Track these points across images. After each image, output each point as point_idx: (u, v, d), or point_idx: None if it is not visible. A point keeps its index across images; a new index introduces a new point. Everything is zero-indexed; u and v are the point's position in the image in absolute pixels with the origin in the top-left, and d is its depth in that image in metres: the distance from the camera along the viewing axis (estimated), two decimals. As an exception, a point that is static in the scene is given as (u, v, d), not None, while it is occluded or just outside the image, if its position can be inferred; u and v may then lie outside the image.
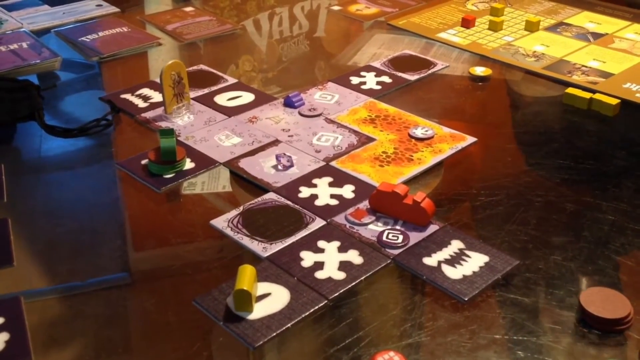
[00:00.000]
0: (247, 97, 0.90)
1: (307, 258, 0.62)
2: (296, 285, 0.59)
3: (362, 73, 0.96)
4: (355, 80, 0.94)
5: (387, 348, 0.52)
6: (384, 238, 0.63)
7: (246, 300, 0.55)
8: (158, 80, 0.84)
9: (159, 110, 0.87)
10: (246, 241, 0.64)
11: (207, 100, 0.90)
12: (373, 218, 0.66)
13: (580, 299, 0.56)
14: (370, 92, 0.91)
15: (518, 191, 0.71)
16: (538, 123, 0.86)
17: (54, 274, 0.63)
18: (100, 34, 1.11)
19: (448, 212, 0.68)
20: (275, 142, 0.80)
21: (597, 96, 0.87)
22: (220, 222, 0.67)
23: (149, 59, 1.06)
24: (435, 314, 0.56)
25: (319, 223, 0.66)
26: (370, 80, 0.94)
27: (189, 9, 1.23)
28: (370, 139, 0.80)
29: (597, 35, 1.08)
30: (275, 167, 0.75)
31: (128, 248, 0.66)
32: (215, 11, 1.23)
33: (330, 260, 0.61)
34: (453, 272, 0.60)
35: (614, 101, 0.86)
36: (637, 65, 0.98)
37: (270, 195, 0.70)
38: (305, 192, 0.71)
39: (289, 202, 0.69)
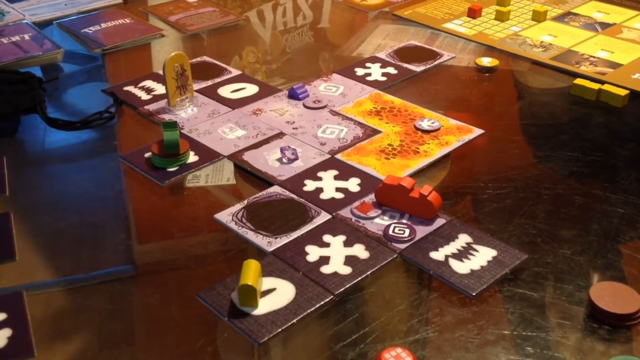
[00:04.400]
0: (251, 89, 0.89)
1: (313, 252, 0.61)
2: (301, 280, 0.58)
3: (367, 64, 0.95)
4: (360, 71, 0.93)
5: (393, 344, 0.52)
6: (390, 232, 0.63)
7: (251, 295, 0.55)
8: (161, 72, 0.83)
9: (162, 103, 0.86)
10: (251, 235, 0.63)
11: (210, 93, 0.89)
12: (379, 212, 0.65)
13: (590, 294, 0.55)
14: (375, 84, 0.90)
15: (526, 184, 0.70)
16: (546, 114, 0.85)
17: (57, 268, 0.62)
18: (103, 25, 1.10)
19: (455, 205, 0.68)
20: (280, 135, 0.79)
21: (606, 87, 0.86)
22: (225, 216, 0.66)
23: (152, 51, 1.05)
24: (443, 310, 0.55)
25: (324, 217, 0.65)
26: (376, 72, 0.93)
27: (192, 0, 1.22)
28: (375, 131, 0.79)
29: (605, 25, 1.07)
30: (279, 160, 0.74)
31: (131, 241, 0.66)
32: (218, 2, 1.22)
33: (335, 255, 0.61)
34: (460, 267, 0.59)
35: (622, 92, 0.85)
36: (646, 56, 0.97)
37: (275, 189, 0.70)
38: (310, 185, 0.70)
39: (293, 196, 0.68)
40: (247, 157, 0.75)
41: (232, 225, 0.65)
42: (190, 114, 0.84)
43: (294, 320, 0.54)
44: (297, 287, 0.57)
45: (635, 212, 0.66)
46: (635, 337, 0.53)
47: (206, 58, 0.98)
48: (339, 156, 0.75)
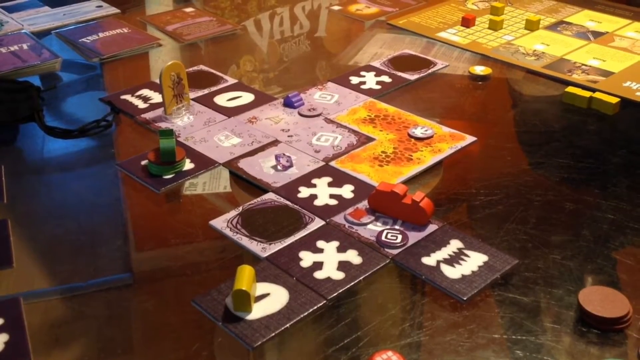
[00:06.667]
0: (246, 98, 0.90)
1: (306, 258, 0.62)
2: (295, 286, 0.59)
3: (362, 73, 0.96)
4: (354, 80, 0.94)
5: (385, 348, 0.52)
6: (383, 238, 0.63)
7: (245, 300, 0.55)
8: (158, 81, 0.84)
9: (159, 111, 0.87)
10: (245, 241, 0.64)
11: (206, 101, 0.90)
12: (372, 218, 0.66)
13: (579, 298, 0.55)
14: (369, 92, 0.91)
15: (517, 190, 0.71)
16: (538, 122, 0.86)
17: (54, 275, 0.63)
18: (101, 35, 1.11)
19: (447, 211, 0.68)
20: (275, 143, 0.80)
21: (597, 95, 0.87)
22: (220, 223, 0.67)
23: (150, 60, 1.06)
24: (434, 314, 0.56)
25: (318, 223, 0.66)
26: (370, 80, 0.94)
27: (189, 9, 1.23)
28: (369, 139, 0.80)
29: (597, 34, 1.08)
30: (274, 167, 0.75)
31: (128, 249, 0.67)
32: (216, 12, 1.23)
33: (329, 260, 0.61)
34: (452, 272, 0.60)
35: (613, 100, 0.86)
36: (637, 64, 0.98)
37: (270, 196, 0.70)
38: (304, 192, 0.71)
39: (288, 202, 0.69)
40: (243, 164, 0.76)
41: (227, 232, 0.65)
42: (187, 122, 0.85)
43: (288, 325, 0.55)
44: (290, 292, 0.58)
45: (625, 218, 0.67)
46: (624, 341, 0.54)
47: (202, 67, 0.99)
48: (333, 163, 0.75)
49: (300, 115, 0.85)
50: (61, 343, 0.56)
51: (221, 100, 0.90)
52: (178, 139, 0.80)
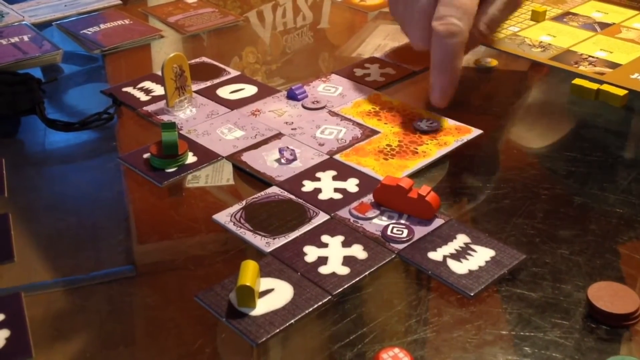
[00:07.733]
0: (249, 90, 0.89)
1: (311, 253, 0.61)
2: (300, 281, 0.58)
3: (366, 65, 0.95)
4: (359, 72, 0.93)
5: (392, 344, 0.52)
6: (389, 232, 0.63)
7: (249, 296, 0.55)
8: (160, 73, 0.83)
9: (161, 104, 0.86)
10: (249, 236, 0.63)
11: (209, 93, 0.89)
12: (377, 212, 0.65)
13: (588, 294, 0.55)
14: (374, 84, 0.90)
15: (524, 184, 0.70)
16: (544, 115, 0.85)
17: (55, 269, 0.62)
18: (102, 26, 1.10)
19: (453, 205, 0.68)
20: (279, 136, 0.79)
21: (605, 87, 0.86)
22: (223, 217, 0.66)
23: (152, 52, 1.05)
24: (441, 310, 0.55)
25: (322, 217, 0.65)
26: (375, 72, 0.93)
27: (191, 0, 1.22)
28: (374, 132, 0.79)
29: (604, 25, 1.07)
30: (278, 160, 0.74)
31: (130, 243, 0.66)
32: (218, 3, 1.22)
33: (334, 255, 0.61)
34: (459, 267, 0.59)
35: (621, 92, 0.85)
36: (645, 56, 0.97)
37: (273, 189, 0.70)
38: (308, 186, 0.70)
39: (292, 196, 0.68)
40: (246, 157, 0.75)
41: (231, 226, 0.65)
42: (189, 115, 0.84)
43: (292, 321, 0.54)
44: (295, 287, 0.57)
45: (634, 213, 0.66)
46: (633, 337, 0.53)
47: (205, 59, 0.98)
48: (337, 157, 0.75)
49: (304, 107, 0.84)
50: (62, 337, 0.55)
51: (224, 92, 0.89)
52: (180, 132, 0.80)
